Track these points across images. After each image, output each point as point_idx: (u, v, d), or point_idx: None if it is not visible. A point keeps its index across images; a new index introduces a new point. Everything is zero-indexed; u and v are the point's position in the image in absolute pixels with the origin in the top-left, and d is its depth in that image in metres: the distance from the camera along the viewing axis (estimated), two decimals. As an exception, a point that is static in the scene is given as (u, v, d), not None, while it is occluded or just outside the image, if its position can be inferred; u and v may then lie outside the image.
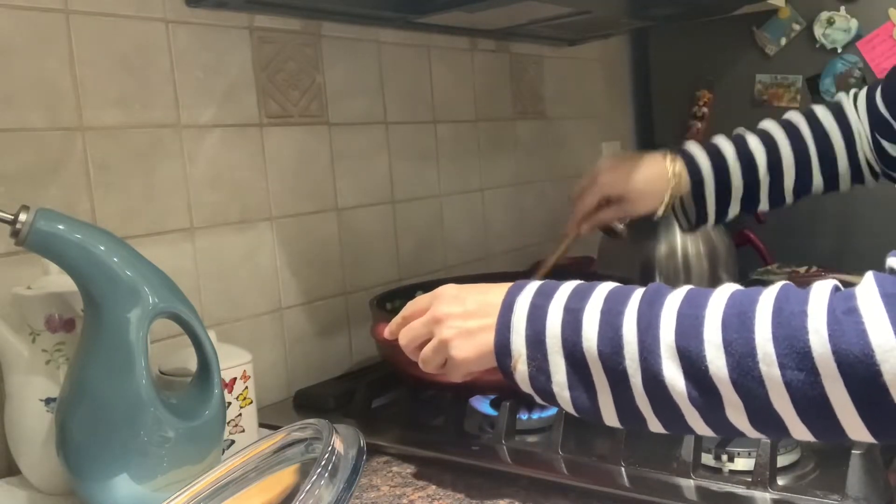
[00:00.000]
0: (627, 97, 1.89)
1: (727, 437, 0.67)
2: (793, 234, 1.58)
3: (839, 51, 1.54)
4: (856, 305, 0.48)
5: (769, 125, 1.03)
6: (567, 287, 0.62)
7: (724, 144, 1.02)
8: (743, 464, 0.72)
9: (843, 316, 0.48)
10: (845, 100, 1.03)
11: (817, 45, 1.55)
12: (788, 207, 1.05)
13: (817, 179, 1.01)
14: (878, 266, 0.53)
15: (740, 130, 1.03)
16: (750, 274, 1.46)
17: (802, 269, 1.45)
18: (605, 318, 0.58)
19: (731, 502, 0.68)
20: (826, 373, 0.48)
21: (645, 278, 1.34)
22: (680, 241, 1.31)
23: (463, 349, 0.66)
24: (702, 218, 1.03)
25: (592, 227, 1.06)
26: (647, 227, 1.24)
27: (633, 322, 0.56)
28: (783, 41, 1.60)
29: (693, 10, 1.51)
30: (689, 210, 1.03)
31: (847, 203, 1.57)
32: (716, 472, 0.73)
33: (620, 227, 1.19)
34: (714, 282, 1.37)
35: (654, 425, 0.58)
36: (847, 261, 1.50)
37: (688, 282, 1.36)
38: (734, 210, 1.03)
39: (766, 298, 0.52)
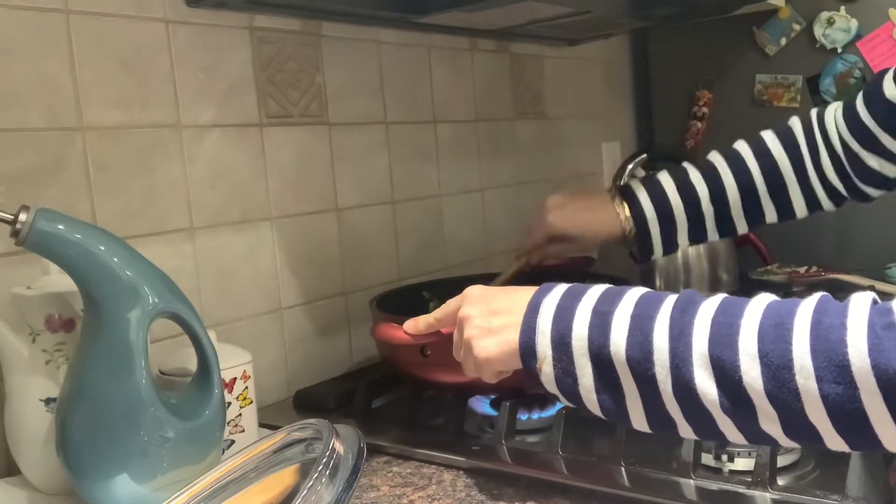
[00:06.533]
0: (627, 97, 1.89)
1: (759, 444, 0.67)
2: (793, 234, 1.58)
3: (839, 51, 1.54)
4: (894, 321, 0.48)
5: (714, 157, 1.04)
6: (596, 290, 0.62)
7: (666, 180, 1.03)
8: (743, 464, 0.72)
9: (883, 332, 0.48)
10: (796, 124, 1.02)
11: (817, 45, 1.55)
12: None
13: (769, 209, 1.02)
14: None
15: (685, 164, 1.05)
16: (750, 274, 1.46)
17: (802, 269, 1.44)
18: (634, 322, 0.57)
19: (731, 502, 0.68)
20: (864, 387, 0.48)
21: (645, 278, 1.34)
22: (680, 241, 1.31)
23: (486, 347, 0.65)
24: (647, 252, 1.05)
25: (541, 258, 1.10)
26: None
27: (664, 328, 0.56)
28: (783, 41, 1.60)
29: (693, 10, 1.51)
30: (640, 244, 1.05)
31: (847, 203, 1.57)
32: (716, 472, 0.73)
33: None
34: (714, 282, 1.37)
35: (685, 430, 0.57)
36: (847, 261, 1.50)
37: (687, 282, 1.37)
38: (682, 242, 1.04)
39: (805, 310, 0.52)
